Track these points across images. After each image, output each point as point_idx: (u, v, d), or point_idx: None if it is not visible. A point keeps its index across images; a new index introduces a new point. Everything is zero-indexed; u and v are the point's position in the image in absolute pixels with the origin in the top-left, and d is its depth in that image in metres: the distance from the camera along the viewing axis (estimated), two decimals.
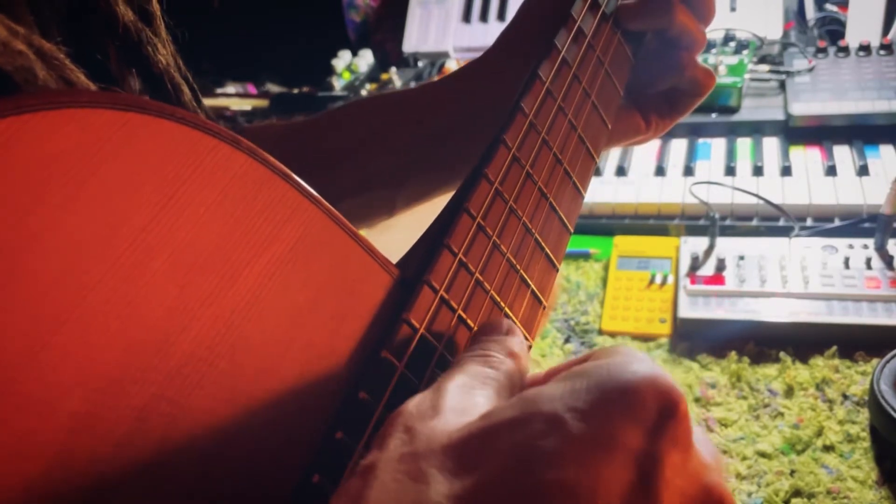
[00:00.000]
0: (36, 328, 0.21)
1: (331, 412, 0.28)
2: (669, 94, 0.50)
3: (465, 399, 0.25)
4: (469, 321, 0.33)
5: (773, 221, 0.91)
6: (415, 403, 0.25)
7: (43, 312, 0.21)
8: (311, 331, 0.28)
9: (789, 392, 0.72)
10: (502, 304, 0.35)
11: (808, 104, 1.02)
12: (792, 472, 0.64)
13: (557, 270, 0.39)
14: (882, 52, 1.09)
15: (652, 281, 0.87)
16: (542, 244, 0.38)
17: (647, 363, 0.24)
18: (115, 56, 0.34)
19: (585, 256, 0.94)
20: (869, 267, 0.79)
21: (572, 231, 0.40)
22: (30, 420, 0.21)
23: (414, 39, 1.39)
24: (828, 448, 0.66)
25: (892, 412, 0.63)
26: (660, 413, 0.22)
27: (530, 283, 0.37)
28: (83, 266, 0.22)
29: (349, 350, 0.29)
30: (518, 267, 0.36)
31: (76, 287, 0.22)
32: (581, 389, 0.23)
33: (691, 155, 1.03)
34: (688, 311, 0.79)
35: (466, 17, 1.38)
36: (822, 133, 1.01)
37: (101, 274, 0.23)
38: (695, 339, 0.78)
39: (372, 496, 0.21)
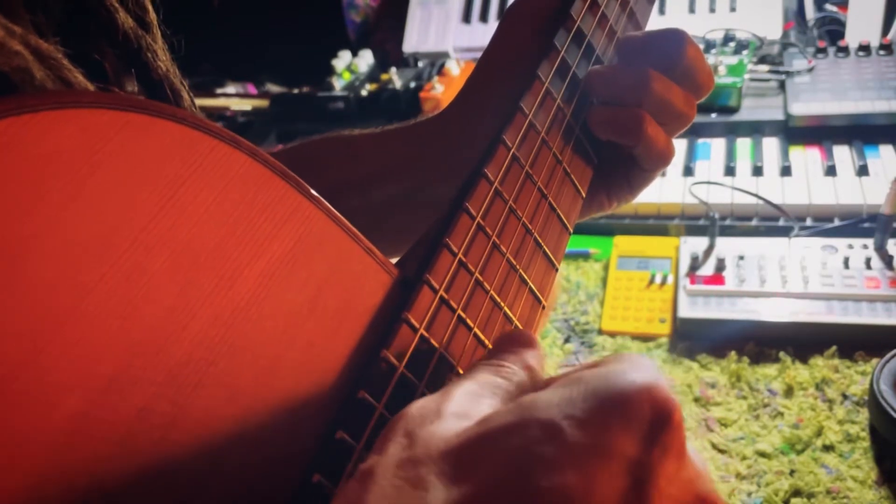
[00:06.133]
0: (35, 328, 0.21)
1: (330, 412, 0.28)
2: (628, 172, 0.48)
3: (470, 405, 0.25)
4: (469, 321, 0.33)
5: (772, 221, 0.91)
6: (418, 406, 0.25)
7: (42, 312, 0.21)
8: (311, 330, 0.28)
9: (789, 392, 0.72)
10: (502, 304, 0.35)
11: (807, 104, 1.02)
12: (792, 472, 0.64)
13: (557, 270, 0.39)
14: (882, 52, 1.09)
15: (652, 281, 0.87)
16: (542, 244, 0.38)
17: (646, 371, 0.24)
18: (114, 61, 0.34)
19: (585, 256, 0.94)
20: (869, 267, 0.79)
21: (572, 231, 0.41)
22: (29, 420, 0.21)
23: (414, 39, 1.38)
24: (827, 448, 0.66)
25: (892, 412, 0.63)
26: (654, 422, 0.22)
27: (530, 283, 0.37)
28: (83, 266, 0.22)
29: (349, 349, 0.29)
30: (518, 267, 0.36)
31: (76, 287, 0.22)
32: (578, 397, 0.23)
33: (691, 155, 1.03)
34: (688, 311, 0.79)
35: (466, 17, 1.38)
36: (821, 133, 1.01)
37: (100, 274, 0.22)
38: (695, 339, 0.78)
39: (370, 501, 0.21)
